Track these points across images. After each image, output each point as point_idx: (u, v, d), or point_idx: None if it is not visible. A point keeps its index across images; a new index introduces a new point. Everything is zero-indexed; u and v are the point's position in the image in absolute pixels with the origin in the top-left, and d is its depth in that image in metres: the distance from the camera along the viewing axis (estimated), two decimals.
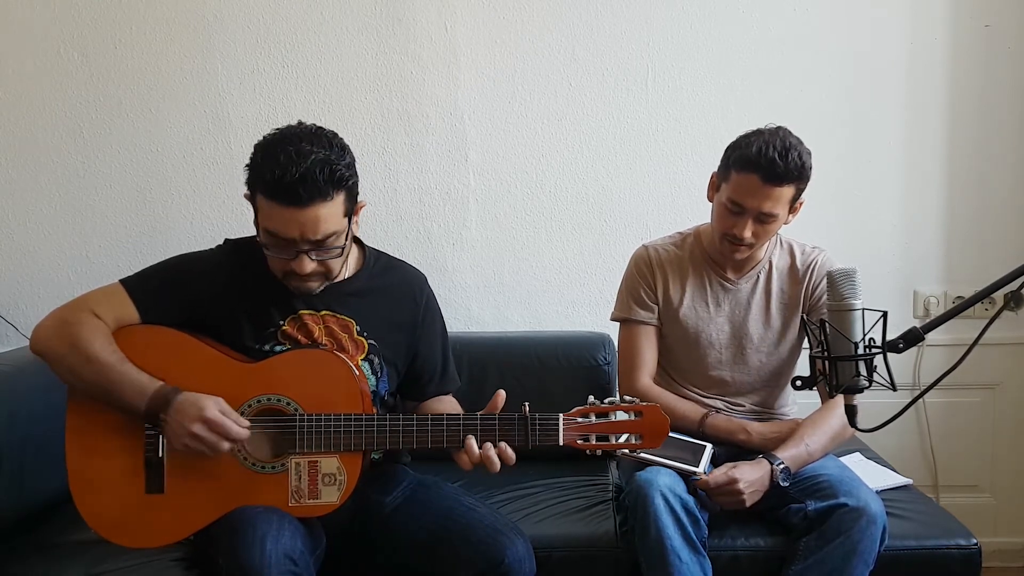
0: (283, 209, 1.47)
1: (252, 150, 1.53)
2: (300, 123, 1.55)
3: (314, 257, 1.53)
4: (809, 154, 1.78)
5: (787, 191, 1.77)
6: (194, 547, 1.59)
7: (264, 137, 1.54)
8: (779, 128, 1.80)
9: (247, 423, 1.50)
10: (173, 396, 1.48)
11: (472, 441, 1.53)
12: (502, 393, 1.57)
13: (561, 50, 2.48)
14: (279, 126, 1.55)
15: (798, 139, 1.79)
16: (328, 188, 1.47)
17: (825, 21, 2.47)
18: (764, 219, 1.80)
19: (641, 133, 2.52)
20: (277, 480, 1.54)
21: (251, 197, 1.56)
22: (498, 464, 1.53)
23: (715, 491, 1.72)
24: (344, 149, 1.54)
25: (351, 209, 1.56)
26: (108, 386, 1.50)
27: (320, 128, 1.55)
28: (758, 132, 1.80)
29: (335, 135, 1.55)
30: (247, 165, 1.54)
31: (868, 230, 2.55)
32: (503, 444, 1.53)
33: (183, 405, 1.47)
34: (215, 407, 1.48)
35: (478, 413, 1.57)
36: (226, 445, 1.48)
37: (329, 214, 1.49)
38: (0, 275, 2.50)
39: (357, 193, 1.58)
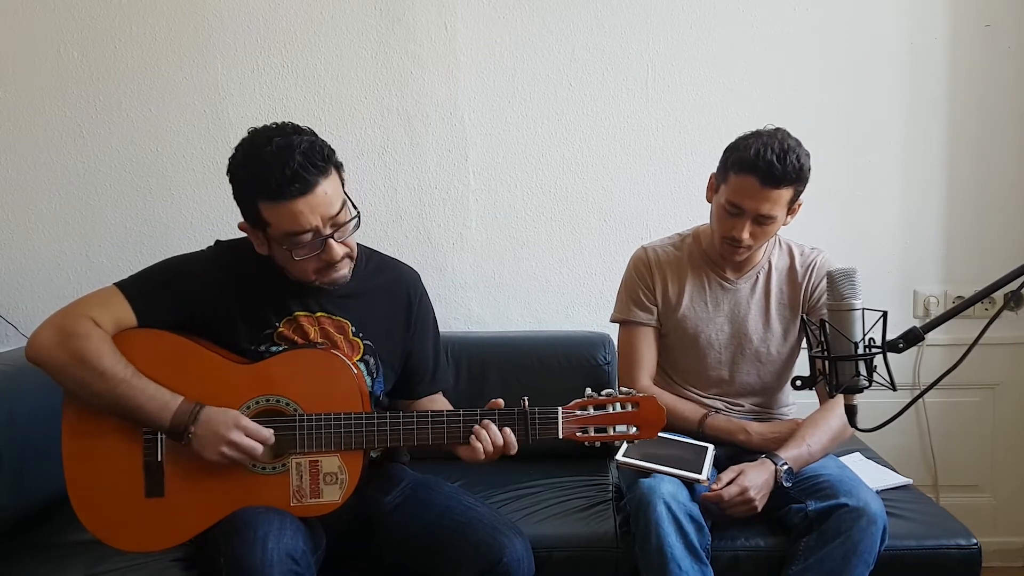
0: (295, 202, 1.47)
1: (230, 176, 1.53)
2: (252, 129, 1.55)
3: (338, 239, 1.54)
4: (808, 156, 1.78)
5: (785, 193, 1.77)
6: (195, 547, 1.58)
7: (233, 159, 1.53)
8: (777, 130, 1.80)
9: (271, 429, 1.52)
10: (199, 409, 1.50)
11: (489, 425, 1.55)
12: (500, 402, 1.59)
13: (561, 50, 2.48)
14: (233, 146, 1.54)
15: (797, 140, 1.78)
16: (325, 165, 1.50)
17: (825, 21, 2.47)
18: (762, 221, 1.80)
19: (641, 133, 2.52)
20: (278, 480, 1.54)
21: (252, 216, 1.53)
22: (515, 445, 1.55)
23: (728, 504, 1.71)
24: (309, 129, 1.55)
25: (342, 180, 1.58)
26: (123, 401, 1.49)
27: (275, 123, 1.54)
28: (756, 134, 1.79)
29: (290, 122, 1.55)
30: (235, 192, 1.53)
31: (868, 230, 2.55)
32: (507, 429, 1.55)
33: (215, 416, 1.50)
34: (244, 416, 1.51)
35: (477, 408, 1.57)
36: (260, 450, 1.51)
37: (334, 189, 1.52)
38: (0, 275, 2.50)
39: (341, 164, 1.59)
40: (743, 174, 1.76)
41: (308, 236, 1.51)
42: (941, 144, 2.52)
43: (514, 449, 1.57)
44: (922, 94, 2.50)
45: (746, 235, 1.80)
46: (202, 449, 1.50)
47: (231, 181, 1.54)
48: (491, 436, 1.54)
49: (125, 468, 1.54)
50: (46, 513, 1.86)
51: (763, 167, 1.73)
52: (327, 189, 1.50)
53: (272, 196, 1.48)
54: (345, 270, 1.60)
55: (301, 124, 1.56)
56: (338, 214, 1.52)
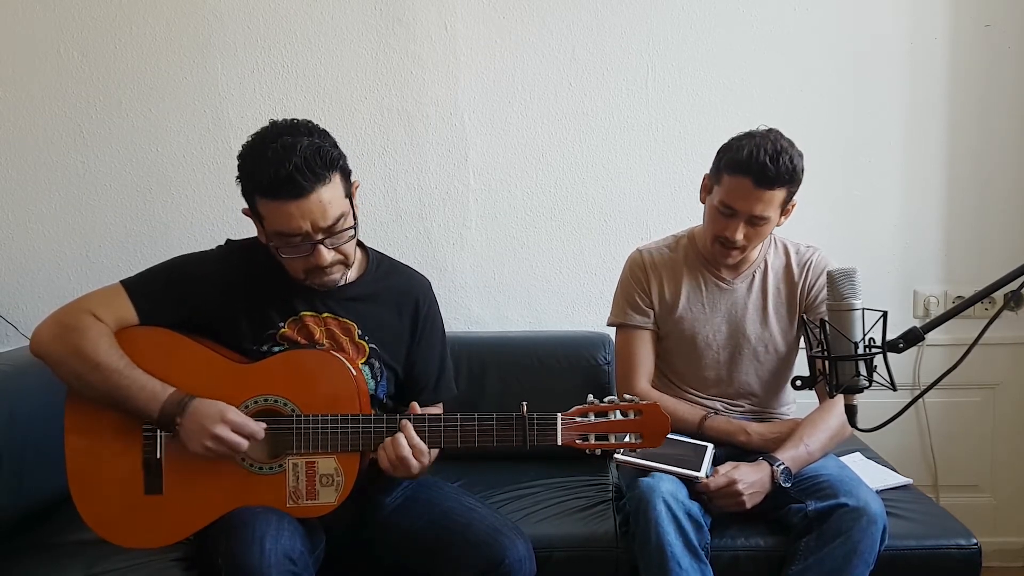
0: (288, 204, 1.47)
1: (238, 163, 1.54)
2: (272, 121, 1.56)
3: (329, 245, 1.53)
4: (800, 156, 1.78)
5: (779, 194, 1.77)
6: (193, 547, 1.58)
7: (243, 146, 1.54)
8: (771, 130, 1.80)
9: (263, 424, 1.51)
10: (188, 401, 1.50)
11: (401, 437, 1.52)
12: (415, 405, 1.58)
13: (561, 50, 2.48)
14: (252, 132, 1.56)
15: (789, 141, 1.78)
16: (324, 171, 1.49)
17: (825, 21, 2.47)
18: (756, 222, 1.80)
19: (641, 133, 2.51)
20: (275, 481, 1.54)
21: (251, 208, 1.56)
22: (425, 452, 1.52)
23: (715, 494, 1.72)
24: (324, 133, 1.55)
25: (349, 189, 1.57)
26: (116, 391, 1.50)
27: (294, 120, 1.55)
28: (749, 135, 1.79)
29: (310, 122, 1.56)
30: (238, 178, 1.54)
31: (868, 230, 2.54)
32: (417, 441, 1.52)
33: (201, 408, 1.49)
34: (233, 410, 1.50)
35: (475, 413, 1.56)
36: (245, 444, 1.49)
37: (332, 197, 1.50)
38: (0, 275, 2.50)
39: (350, 172, 1.58)
40: (736, 175, 1.76)
41: (297, 239, 1.51)
42: (941, 144, 2.52)
43: (425, 457, 1.52)
44: (922, 94, 2.50)
45: (739, 236, 1.80)
46: (187, 441, 1.49)
47: (238, 167, 1.54)
48: (390, 448, 1.51)
49: (125, 465, 1.55)
50: (46, 513, 1.86)
51: (756, 168, 1.73)
52: (323, 197, 1.49)
53: (266, 193, 1.49)
54: (336, 275, 1.60)
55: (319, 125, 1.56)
56: (334, 223, 1.51)
